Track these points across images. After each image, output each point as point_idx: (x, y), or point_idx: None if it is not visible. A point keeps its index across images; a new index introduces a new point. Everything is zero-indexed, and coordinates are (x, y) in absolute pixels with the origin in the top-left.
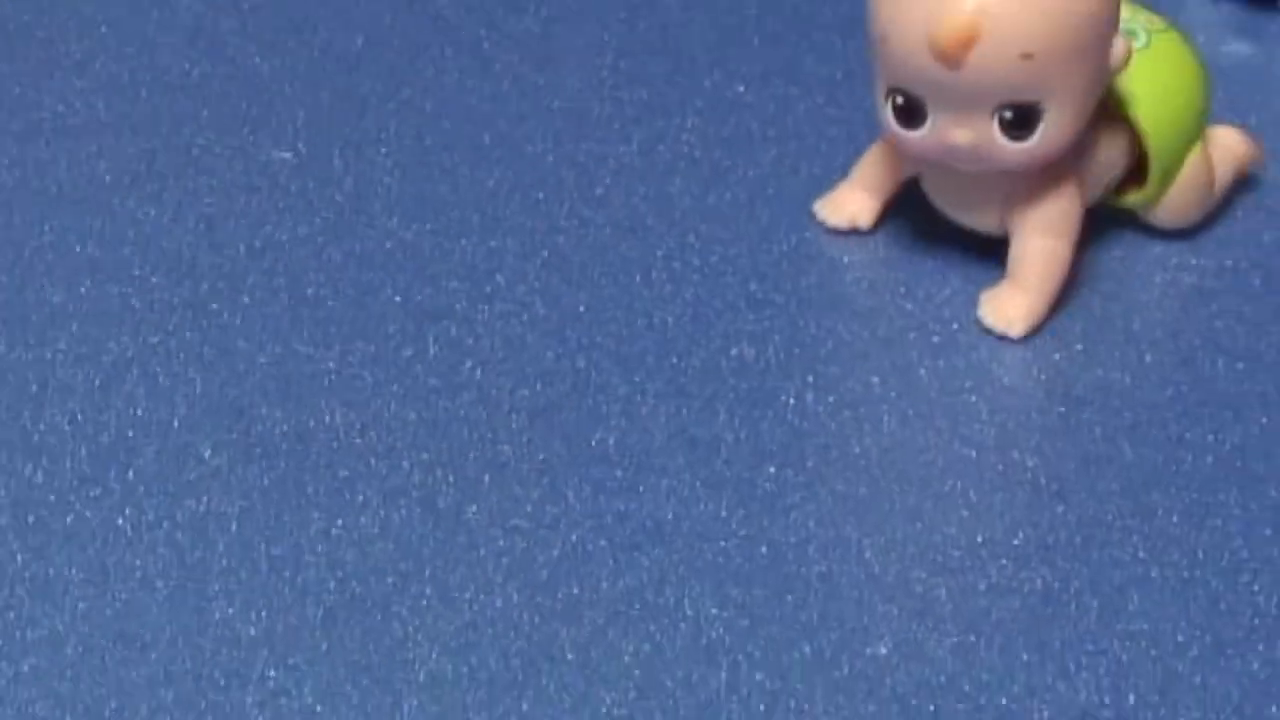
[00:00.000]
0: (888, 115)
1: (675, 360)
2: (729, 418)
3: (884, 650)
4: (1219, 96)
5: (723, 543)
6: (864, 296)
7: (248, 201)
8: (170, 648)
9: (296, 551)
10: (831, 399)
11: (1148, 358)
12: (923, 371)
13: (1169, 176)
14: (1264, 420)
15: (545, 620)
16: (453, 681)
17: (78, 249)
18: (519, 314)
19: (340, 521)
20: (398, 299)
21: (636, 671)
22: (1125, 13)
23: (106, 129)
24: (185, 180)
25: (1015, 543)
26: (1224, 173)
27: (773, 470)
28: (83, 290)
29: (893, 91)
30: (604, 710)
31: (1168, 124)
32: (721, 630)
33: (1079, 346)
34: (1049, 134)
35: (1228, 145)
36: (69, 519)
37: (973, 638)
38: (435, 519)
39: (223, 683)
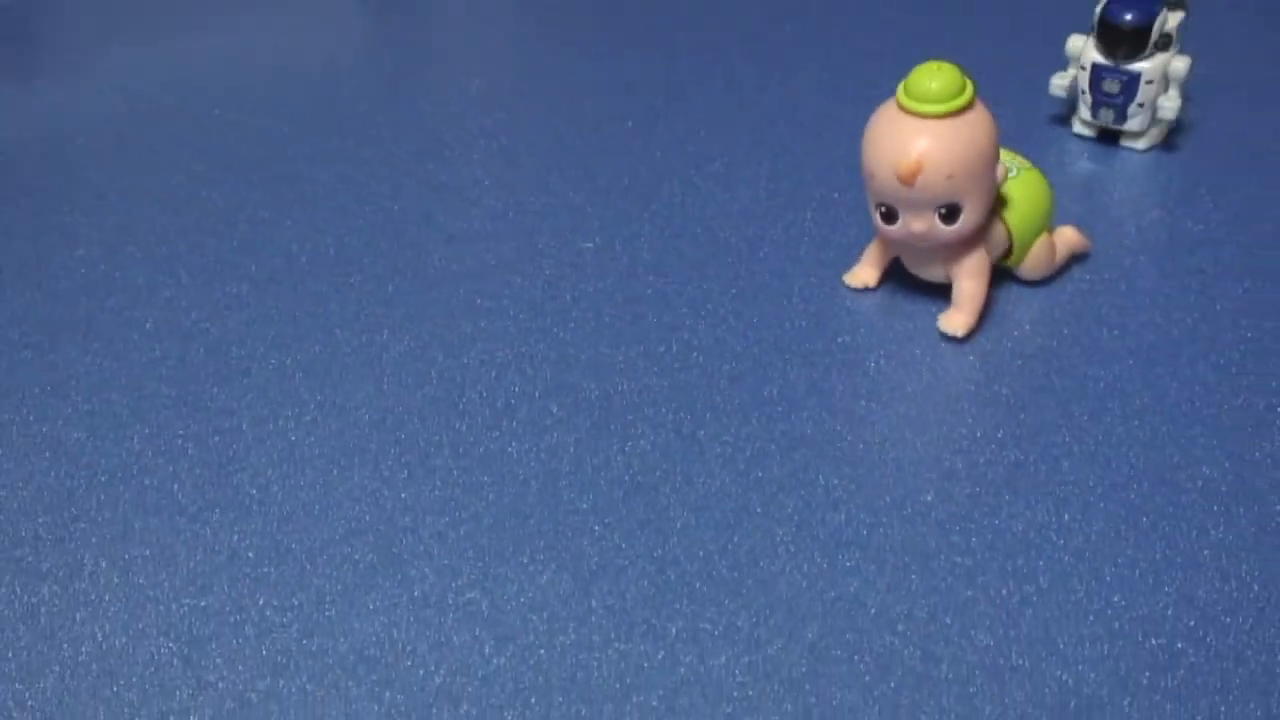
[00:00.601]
0: (876, 218)
1: (808, 345)
2: (839, 374)
3: (929, 498)
4: (1079, 195)
5: (839, 444)
6: (903, 309)
7: (570, 271)
8: (539, 517)
9: (606, 461)
10: (895, 362)
11: (1064, 331)
12: (942, 346)
13: (1025, 252)
14: (1130, 362)
15: (743, 491)
16: (695, 527)
17: (477, 301)
18: (721, 324)
19: (629, 444)
20: (654, 320)
21: (795, 516)
22: (1006, 156)
23: (491, 236)
24: (535, 262)
25: (998, 435)
26: (1063, 250)
27: (864, 403)
28: (481, 324)
29: (878, 205)
30: (778, 537)
31: (1025, 223)
32: (841, 492)
33: (1027, 326)
34: (966, 221)
35: (1068, 237)
36: (481, 449)
37: (978, 489)
38: (680, 439)
39: (569, 534)
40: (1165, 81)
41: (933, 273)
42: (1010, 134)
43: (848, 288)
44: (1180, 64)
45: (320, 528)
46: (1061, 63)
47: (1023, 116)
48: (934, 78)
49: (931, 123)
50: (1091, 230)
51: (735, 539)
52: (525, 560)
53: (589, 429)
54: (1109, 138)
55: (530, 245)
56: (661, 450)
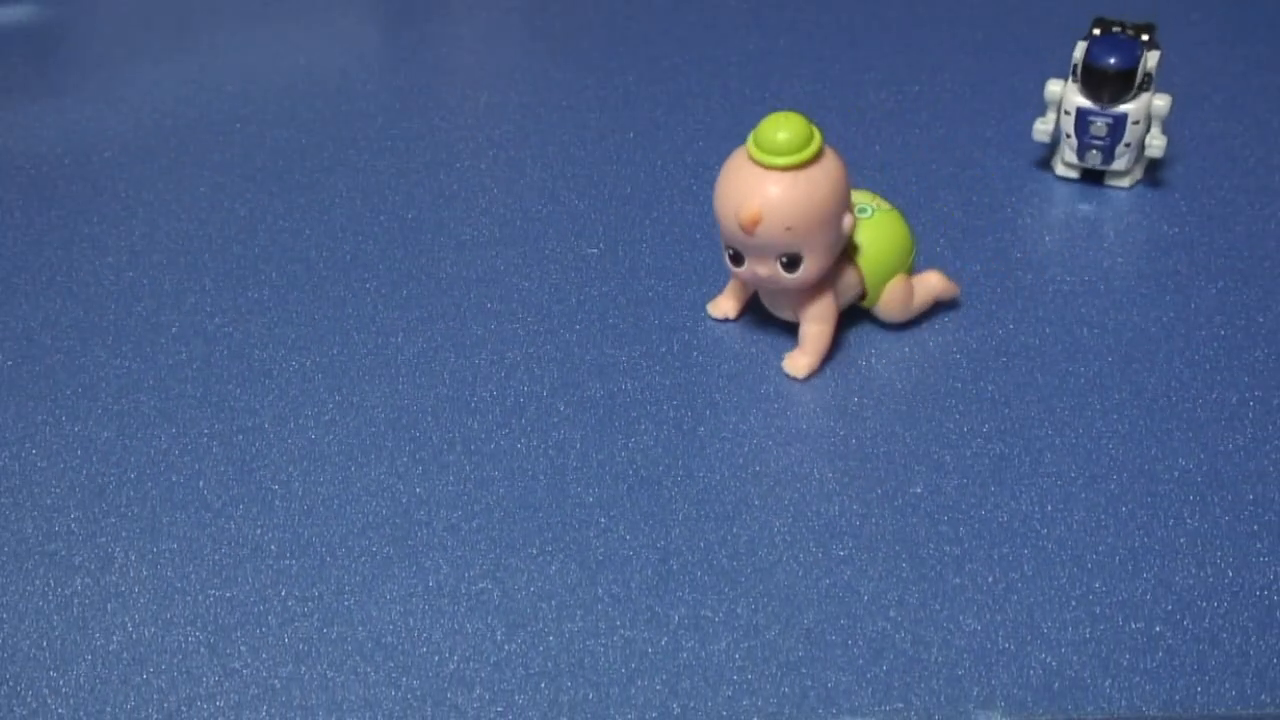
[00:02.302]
0: (726, 259)
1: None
2: (833, 372)
3: (919, 490)
4: (1065, 232)
5: (832, 438)
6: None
7: (575, 275)
8: (548, 510)
9: (611, 456)
10: (886, 360)
11: (1047, 330)
12: (930, 345)
13: (878, 293)
14: (1109, 359)
15: (742, 484)
16: (696, 519)
17: (487, 305)
18: (720, 325)
19: (632, 440)
20: (656, 321)
21: (791, 508)
22: (864, 197)
23: (500, 243)
24: (542, 267)
25: (984, 430)
26: (924, 294)
27: (856, 399)
28: (491, 326)
29: (727, 247)
30: (775, 528)
31: (877, 264)
32: (835, 485)
33: (1011, 326)
34: (807, 270)
35: (930, 282)
36: (492, 446)
37: (965, 480)
38: (682, 435)
39: (576, 526)
40: (1149, 120)
41: (783, 313)
42: (992, 179)
43: (710, 318)
44: (1162, 102)
45: (339, 522)
46: (1039, 103)
47: (1003, 160)
48: (781, 128)
49: (774, 174)
50: (1071, 234)
51: (734, 530)
52: (534, 551)
53: (594, 426)
54: (1092, 177)
55: (537, 251)
56: (664, 446)
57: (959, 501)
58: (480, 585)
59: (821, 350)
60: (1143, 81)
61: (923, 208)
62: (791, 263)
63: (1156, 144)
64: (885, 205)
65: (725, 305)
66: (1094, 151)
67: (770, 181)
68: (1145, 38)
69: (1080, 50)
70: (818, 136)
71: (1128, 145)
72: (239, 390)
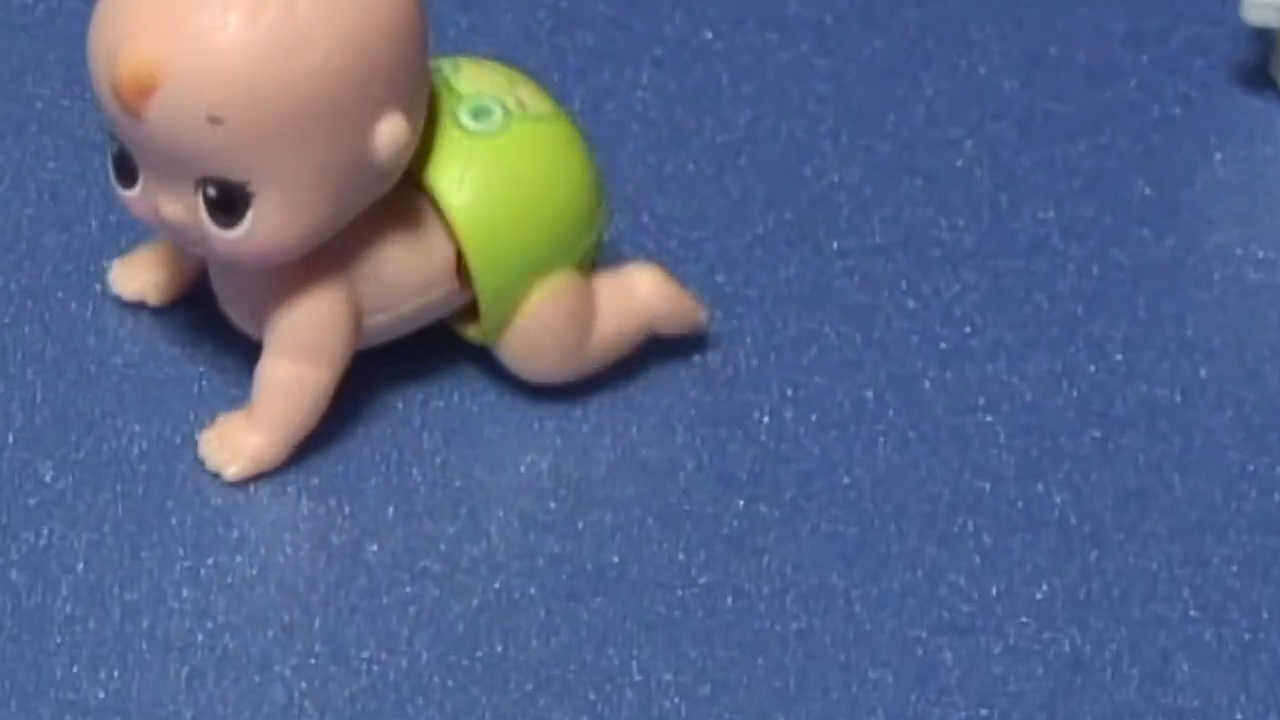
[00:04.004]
0: (109, 162)
1: None
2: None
3: None
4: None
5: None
6: None
7: None
8: None
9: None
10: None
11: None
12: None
13: (504, 312)
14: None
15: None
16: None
17: None
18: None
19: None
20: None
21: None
22: (498, 82)
23: None
24: None
25: (1038, 596)
26: (614, 320)
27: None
28: None
29: (111, 139)
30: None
31: (502, 243)
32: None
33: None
34: (263, 226)
35: (636, 292)
36: None
37: (984, 712)
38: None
39: None
40: None
41: (242, 321)
42: (1159, 84)
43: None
44: None
45: None
46: None
47: (1176, 64)
48: None
49: None
50: None
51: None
52: None
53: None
54: None
55: None
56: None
57: None
58: None
59: (288, 422)
60: None
61: (1036, 140)
62: (225, 203)
63: None
64: (542, 106)
65: (142, 275)
66: None
67: (191, 4)
68: None
69: None
70: None
71: None
72: None
